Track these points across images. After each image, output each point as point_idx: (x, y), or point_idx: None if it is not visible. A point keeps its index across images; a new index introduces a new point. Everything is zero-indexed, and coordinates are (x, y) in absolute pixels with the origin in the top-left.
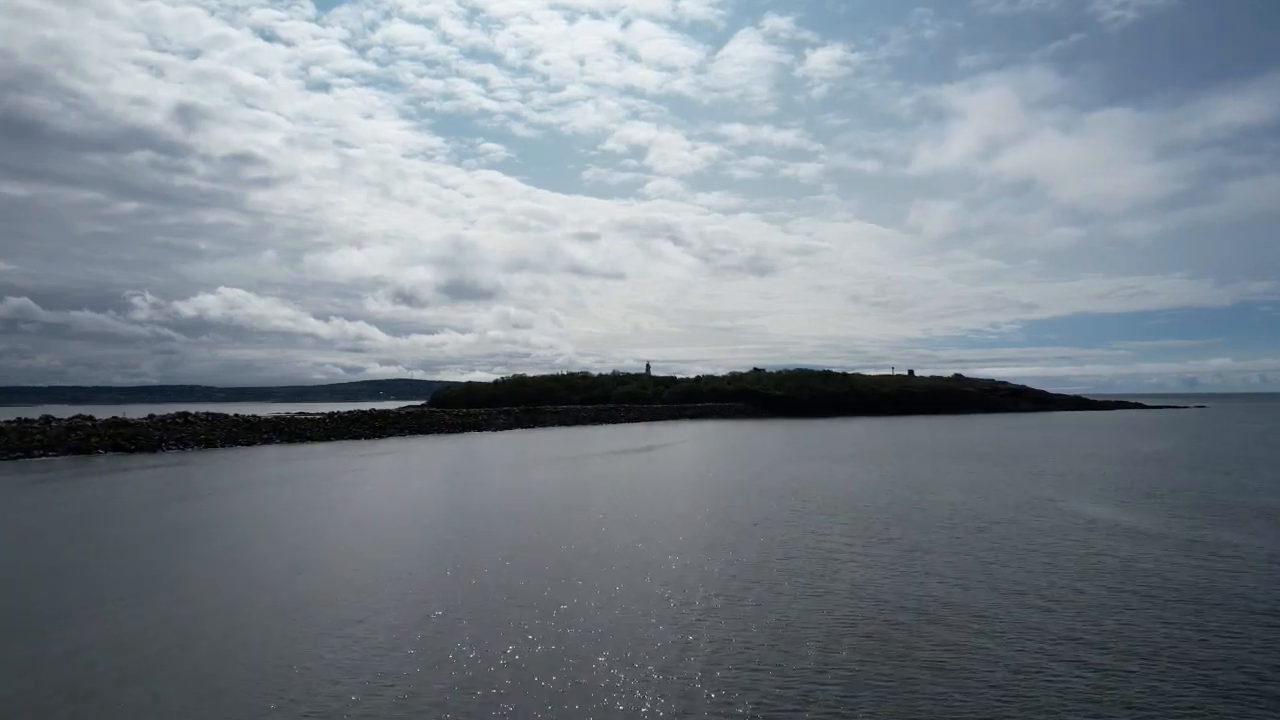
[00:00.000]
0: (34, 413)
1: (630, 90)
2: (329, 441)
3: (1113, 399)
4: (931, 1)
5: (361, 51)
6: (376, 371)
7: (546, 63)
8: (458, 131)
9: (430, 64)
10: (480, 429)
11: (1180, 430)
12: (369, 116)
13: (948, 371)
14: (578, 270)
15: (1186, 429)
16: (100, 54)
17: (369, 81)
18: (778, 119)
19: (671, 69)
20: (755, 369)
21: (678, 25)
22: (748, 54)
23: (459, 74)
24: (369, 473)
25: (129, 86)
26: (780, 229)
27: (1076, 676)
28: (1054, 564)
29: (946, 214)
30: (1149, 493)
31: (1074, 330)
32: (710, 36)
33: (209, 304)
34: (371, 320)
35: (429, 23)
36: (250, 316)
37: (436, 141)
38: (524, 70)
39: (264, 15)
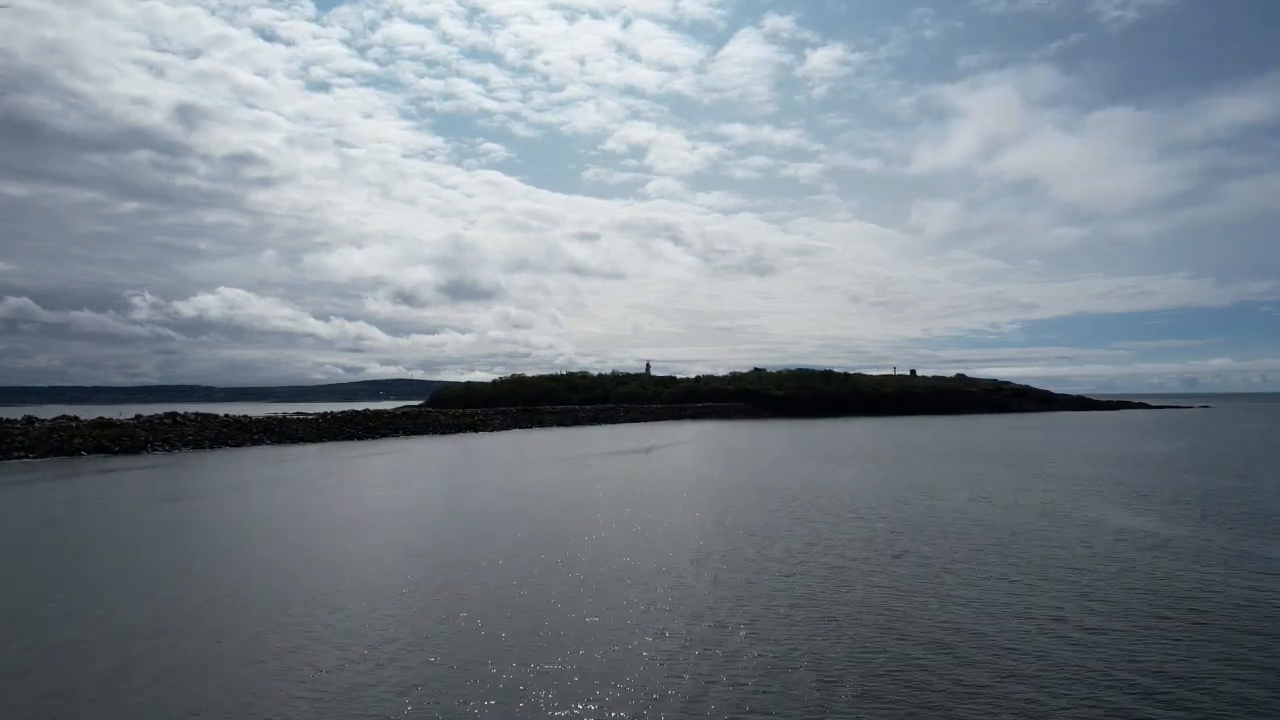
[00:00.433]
0: (34, 413)
1: (630, 90)
2: (321, 443)
3: (1116, 399)
4: (932, 1)
5: (362, 51)
6: (377, 371)
7: (547, 62)
8: (458, 131)
9: (430, 64)
10: (477, 429)
11: (1189, 431)
12: (369, 116)
13: (948, 371)
14: (578, 270)
15: (1195, 430)
16: (100, 54)
17: (369, 81)
18: (778, 119)
19: (672, 69)
20: (756, 369)
21: (678, 25)
22: (748, 54)
23: (459, 74)
24: (359, 475)
25: (129, 86)
26: (780, 229)
27: None
28: (1087, 584)
29: (947, 214)
30: (1174, 498)
31: (1074, 330)
32: (710, 36)
33: (209, 304)
34: (371, 320)
35: (429, 22)
36: (250, 316)
37: (437, 141)
38: (524, 70)
39: (264, 15)
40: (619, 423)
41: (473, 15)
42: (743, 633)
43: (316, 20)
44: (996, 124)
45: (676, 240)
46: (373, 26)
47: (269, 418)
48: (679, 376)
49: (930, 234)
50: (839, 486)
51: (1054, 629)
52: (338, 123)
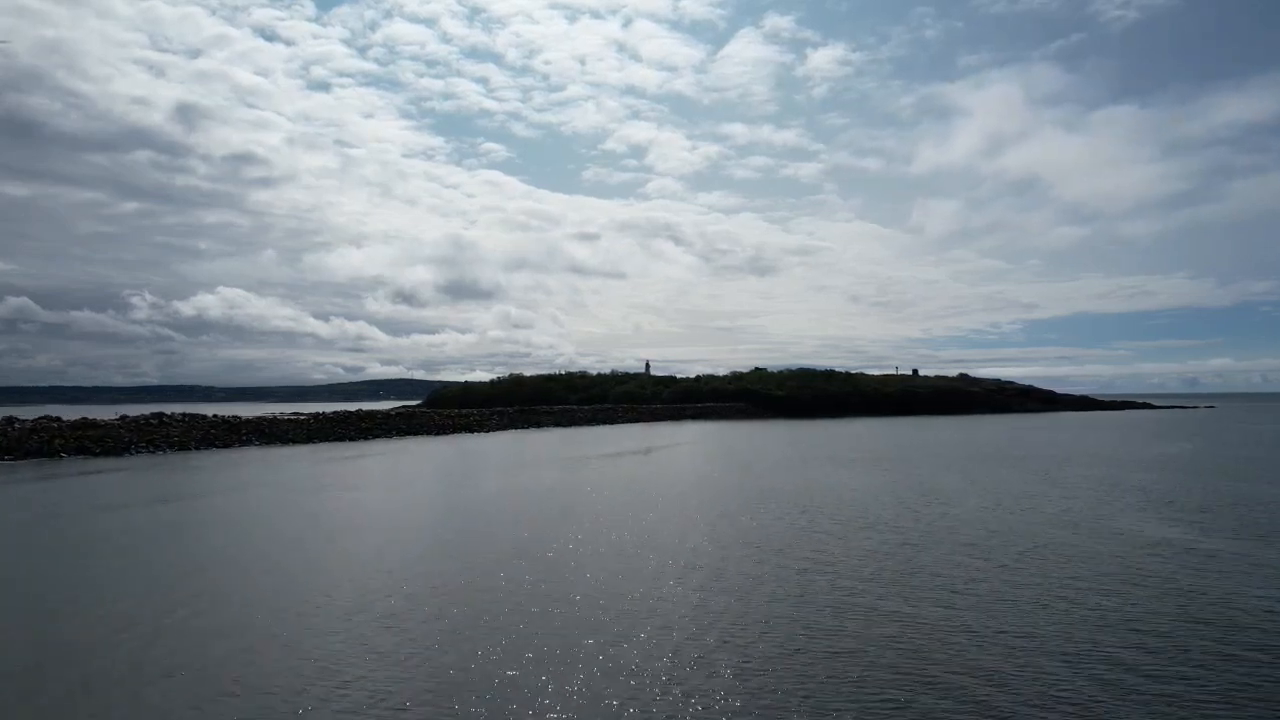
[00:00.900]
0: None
1: (631, 90)
2: (312, 444)
3: (1120, 399)
4: (932, 1)
5: (362, 51)
6: (377, 371)
7: (547, 62)
8: (458, 131)
9: (431, 64)
10: (473, 430)
11: (1199, 432)
12: (369, 116)
13: (949, 371)
14: (578, 270)
15: (1205, 430)
16: (101, 54)
17: (369, 81)
18: (778, 119)
19: (672, 69)
20: (757, 368)
21: (678, 25)
22: (748, 54)
23: (459, 74)
24: (335, 477)
25: (129, 86)
26: (781, 229)
27: None
28: (1131, 611)
29: (948, 213)
30: (1203, 505)
31: (1074, 330)
32: (711, 36)
33: (209, 304)
34: (372, 320)
35: (429, 22)
36: (250, 316)
37: (437, 141)
38: (524, 70)
39: (264, 15)
40: (617, 423)
41: (473, 15)
42: (729, 673)
43: (316, 20)
44: (999, 122)
45: (677, 240)
46: (373, 26)
47: (259, 418)
48: (679, 376)
49: (931, 233)
50: (843, 491)
51: (1111, 677)
52: (338, 122)
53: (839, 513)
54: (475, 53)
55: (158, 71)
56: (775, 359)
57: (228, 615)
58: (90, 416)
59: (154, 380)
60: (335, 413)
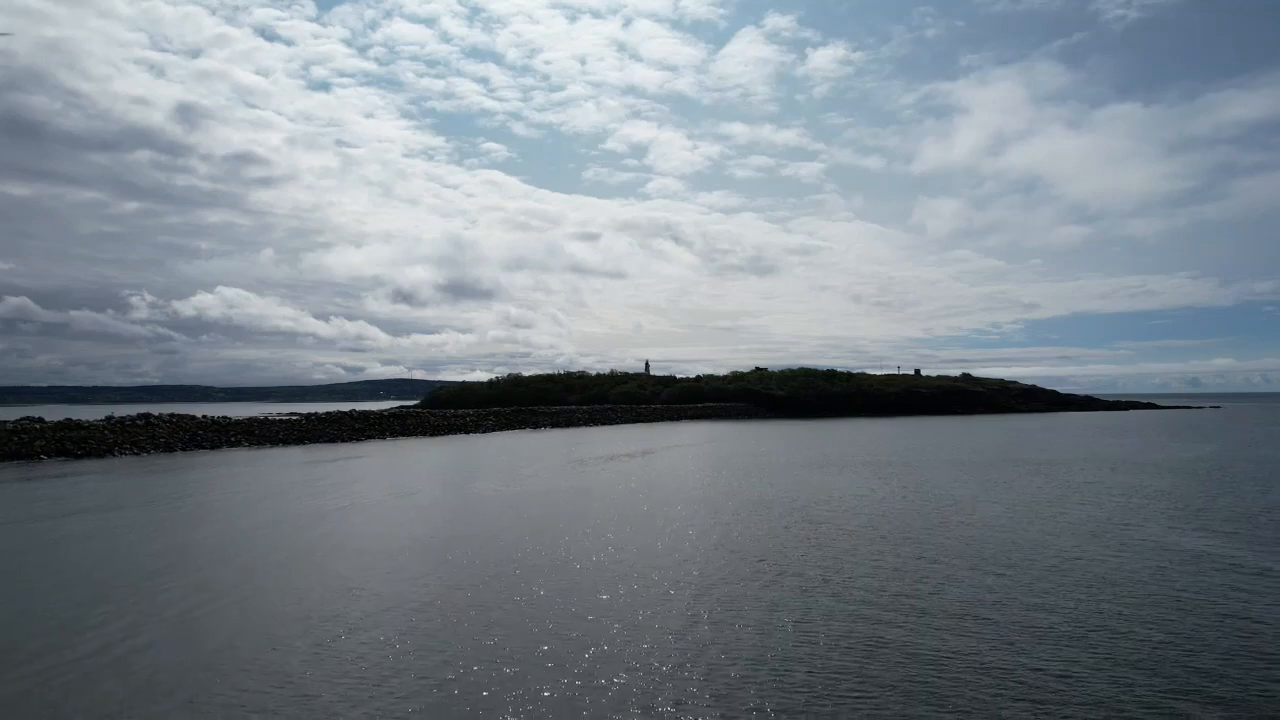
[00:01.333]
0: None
1: (631, 89)
2: (303, 445)
3: (1124, 399)
4: (933, 0)
5: (362, 51)
6: (378, 371)
7: (547, 62)
8: (459, 131)
9: (431, 63)
10: (468, 431)
11: (1212, 433)
12: (370, 116)
13: (949, 371)
14: (579, 270)
15: (1218, 431)
16: (101, 53)
17: (370, 81)
18: (779, 118)
19: (673, 68)
20: (758, 368)
21: (679, 24)
22: (749, 53)
23: (460, 73)
24: (312, 484)
25: (130, 86)
26: (782, 229)
27: None
28: (1189, 646)
29: (950, 212)
30: (1238, 514)
31: (1075, 330)
32: (711, 36)
33: (208, 304)
34: (372, 320)
35: (430, 22)
36: (250, 316)
37: (437, 141)
38: (525, 69)
39: (265, 14)
40: (616, 424)
41: (473, 15)
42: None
43: (317, 20)
44: (1003, 119)
45: (678, 240)
46: (373, 26)
47: (249, 419)
48: (679, 376)
49: (932, 233)
50: (853, 499)
51: None
52: (338, 122)
53: (848, 522)
54: (476, 52)
55: (158, 71)
56: (776, 359)
57: (141, 642)
58: (75, 418)
59: (154, 380)
60: (327, 413)
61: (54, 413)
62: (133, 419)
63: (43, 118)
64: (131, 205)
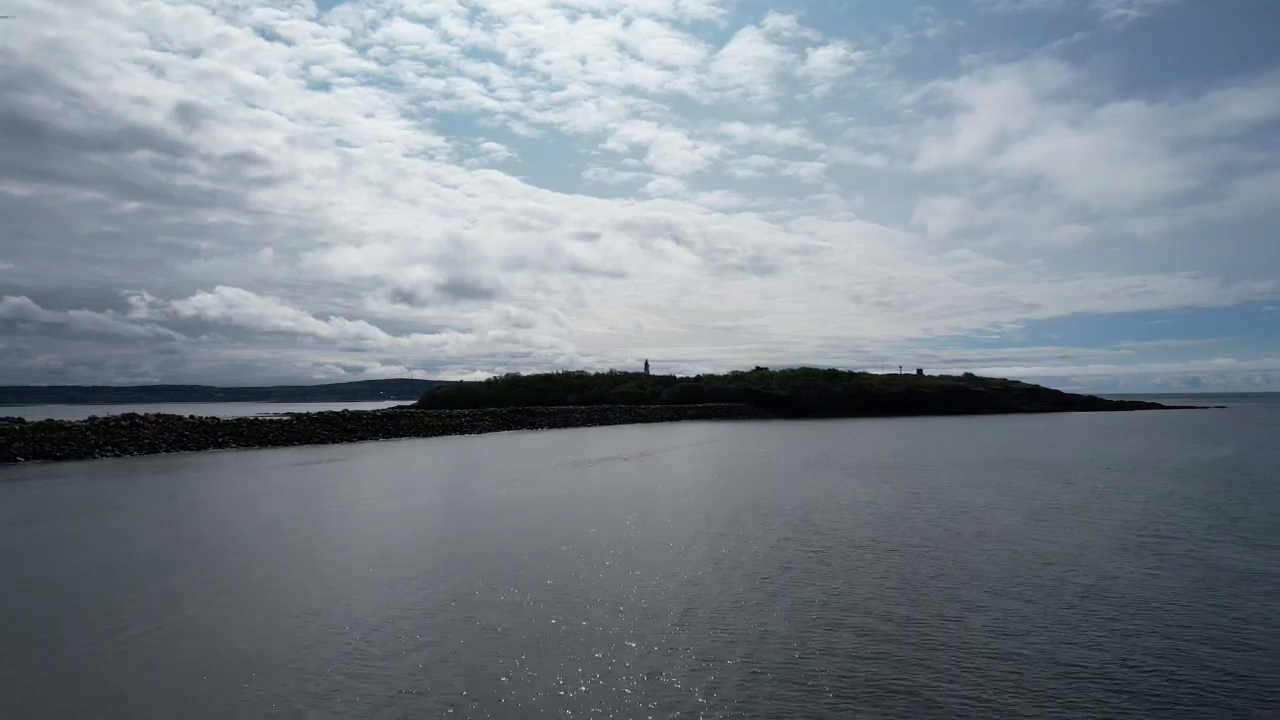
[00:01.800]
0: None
1: (631, 89)
2: (294, 446)
3: (1128, 399)
4: (933, 0)
5: (362, 51)
6: (378, 371)
7: (548, 62)
8: (459, 131)
9: (431, 63)
10: (464, 431)
11: (1221, 434)
12: (370, 116)
13: (950, 371)
14: (579, 269)
15: (1229, 432)
16: (101, 53)
17: (370, 81)
18: (779, 118)
19: (673, 68)
20: (758, 368)
21: (679, 24)
22: (749, 53)
23: (460, 73)
24: (312, 484)
25: (130, 86)
26: (782, 228)
27: None
28: (1258, 682)
29: (951, 211)
30: (1278, 522)
31: (1075, 330)
32: (712, 35)
33: (208, 303)
34: (372, 320)
35: (430, 22)
36: (250, 316)
37: (438, 141)
38: (525, 69)
39: (265, 14)
40: (615, 424)
41: (474, 14)
42: None
43: (317, 19)
44: (1005, 118)
45: (678, 239)
46: (373, 26)
47: (238, 419)
48: (679, 376)
49: (933, 232)
50: (861, 507)
51: None
52: (338, 122)
53: (856, 533)
54: (476, 52)
55: (158, 71)
56: (777, 359)
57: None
58: (61, 419)
59: (154, 380)
60: (319, 414)
61: (53, 413)
62: (117, 419)
63: (43, 117)
64: (131, 205)
